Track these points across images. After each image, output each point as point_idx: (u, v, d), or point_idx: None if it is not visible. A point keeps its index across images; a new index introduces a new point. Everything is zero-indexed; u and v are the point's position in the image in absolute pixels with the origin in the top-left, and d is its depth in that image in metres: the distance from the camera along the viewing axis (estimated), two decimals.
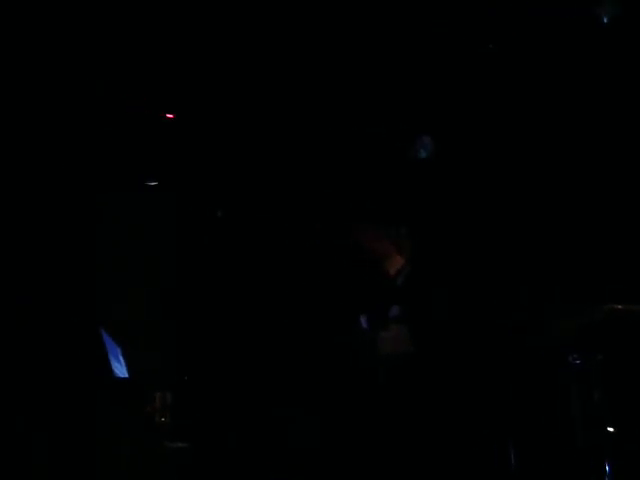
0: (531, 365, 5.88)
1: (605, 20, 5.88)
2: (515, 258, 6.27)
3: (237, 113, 6.77)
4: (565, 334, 5.54)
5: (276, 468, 6.28)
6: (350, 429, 5.86)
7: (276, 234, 6.87)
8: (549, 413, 5.76)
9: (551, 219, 6.30)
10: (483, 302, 5.95)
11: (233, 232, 6.90)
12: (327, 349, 6.30)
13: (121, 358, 6.03)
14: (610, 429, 5.36)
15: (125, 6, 6.16)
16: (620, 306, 5.42)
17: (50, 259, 6.73)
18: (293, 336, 6.58)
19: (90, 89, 6.51)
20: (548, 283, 6.12)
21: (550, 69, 6.27)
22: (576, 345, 5.51)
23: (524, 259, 6.26)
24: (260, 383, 6.54)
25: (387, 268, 5.74)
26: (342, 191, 6.66)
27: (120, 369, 6.01)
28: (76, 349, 5.97)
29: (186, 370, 6.53)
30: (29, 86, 6.42)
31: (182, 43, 6.40)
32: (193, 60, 6.49)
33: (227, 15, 6.29)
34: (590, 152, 6.30)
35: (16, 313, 5.85)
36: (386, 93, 6.68)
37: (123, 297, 6.83)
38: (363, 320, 5.82)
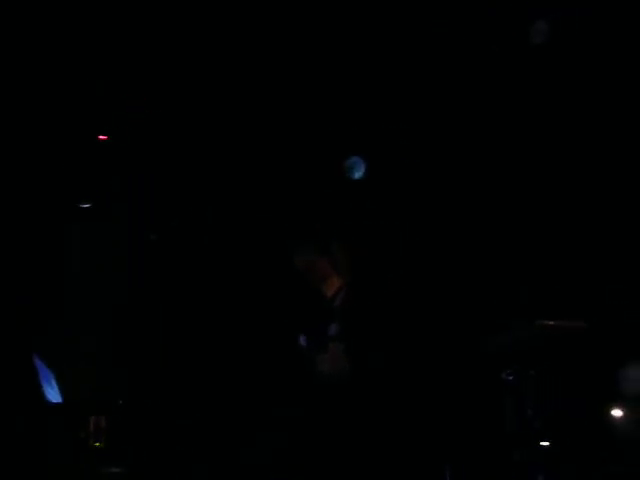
0: (465, 381, 5.91)
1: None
2: (449, 274, 6.31)
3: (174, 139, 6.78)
4: (498, 350, 5.60)
5: None
6: (293, 446, 5.86)
7: (218, 254, 6.86)
8: (484, 428, 5.80)
9: (483, 235, 6.35)
10: (418, 319, 5.98)
11: (170, 255, 6.87)
12: (267, 368, 6.30)
13: (54, 383, 5.97)
14: (544, 443, 5.42)
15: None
16: (551, 322, 5.50)
17: None
18: (233, 357, 6.56)
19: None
20: (482, 300, 6.17)
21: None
22: (509, 361, 5.56)
23: (458, 275, 6.30)
24: (197, 406, 6.51)
25: (325, 289, 5.74)
26: (279, 211, 6.67)
27: (53, 394, 5.95)
28: (7, 374, 5.91)
29: (121, 394, 6.47)
30: None
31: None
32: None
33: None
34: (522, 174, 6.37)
35: None
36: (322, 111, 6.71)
37: (57, 322, 6.76)
38: (302, 340, 5.82)
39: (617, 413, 5.64)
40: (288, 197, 6.68)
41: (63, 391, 5.98)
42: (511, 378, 5.50)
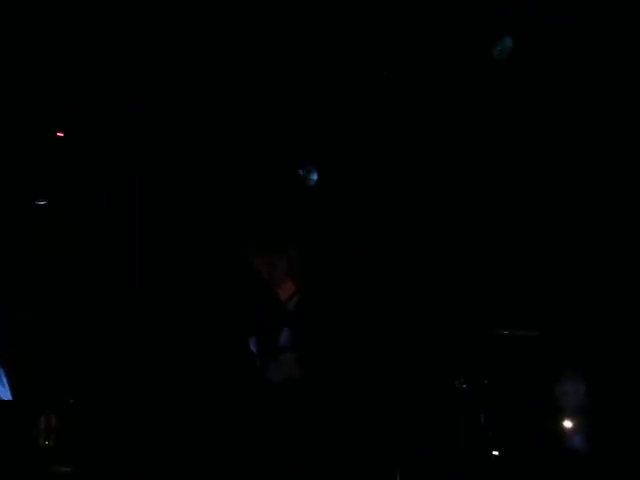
0: (419, 389, 5.95)
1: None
2: (402, 285, 6.34)
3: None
4: (452, 359, 5.64)
5: None
6: (239, 453, 5.86)
7: (168, 256, 6.83)
8: (436, 436, 5.84)
9: (439, 239, 6.37)
10: (374, 328, 6.01)
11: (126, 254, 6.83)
12: (217, 373, 6.29)
13: (4, 379, 5.92)
14: (495, 452, 5.48)
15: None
16: (506, 331, 5.56)
17: None
18: (185, 359, 6.54)
19: None
20: (436, 310, 6.21)
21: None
22: (462, 370, 5.61)
23: (411, 286, 6.33)
24: (149, 406, 6.48)
25: (280, 293, 5.75)
26: (233, 215, 6.66)
27: (3, 391, 5.90)
28: None
29: (72, 393, 6.43)
30: None
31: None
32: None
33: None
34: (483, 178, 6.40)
35: None
36: (277, 115, 6.71)
37: (10, 318, 6.68)
38: (253, 345, 5.83)
39: (568, 424, 5.71)
40: (248, 197, 6.68)
41: (13, 389, 5.94)
42: (465, 387, 5.55)
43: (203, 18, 6.32)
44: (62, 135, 6.60)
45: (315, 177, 6.66)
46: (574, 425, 5.76)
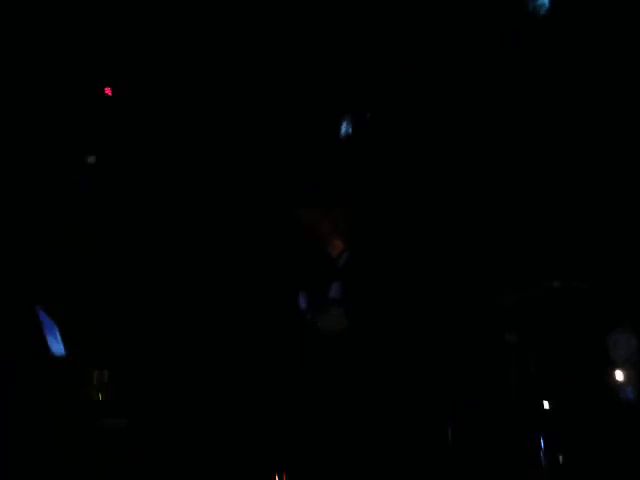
0: (469, 343, 5.96)
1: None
2: (454, 238, 6.33)
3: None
4: (503, 312, 5.63)
5: (212, 447, 6.30)
6: (287, 410, 5.92)
7: (217, 216, 6.85)
8: (486, 389, 5.85)
9: (488, 197, 6.36)
10: (423, 283, 6.02)
11: (171, 217, 6.86)
12: (266, 329, 6.34)
13: (58, 336, 5.99)
14: (545, 405, 5.48)
15: None
16: (558, 283, 5.53)
17: None
18: (232, 316, 6.58)
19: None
20: (487, 262, 6.19)
21: None
22: (513, 323, 5.60)
23: (462, 239, 6.32)
24: (197, 362, 6.55)
25: (328, 251, 5.79)
26: (280, 175, 6.67)
27: (57, 347, 5.98)
28: (12, 327, 5.93)
29: (124, 348, 6.49)
30: None
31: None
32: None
33: None
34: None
35: None
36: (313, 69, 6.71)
37: (62, 276, 6.75)
38: (302, 300, 5.87)
39: (620, 376, 5.69)
40: (291, 158, 6.68)
41: (67, 344, 6.02)
42: (515, 340, 5.55)
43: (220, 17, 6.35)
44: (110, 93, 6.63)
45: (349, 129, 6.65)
46: (625, 377, 5.73)
